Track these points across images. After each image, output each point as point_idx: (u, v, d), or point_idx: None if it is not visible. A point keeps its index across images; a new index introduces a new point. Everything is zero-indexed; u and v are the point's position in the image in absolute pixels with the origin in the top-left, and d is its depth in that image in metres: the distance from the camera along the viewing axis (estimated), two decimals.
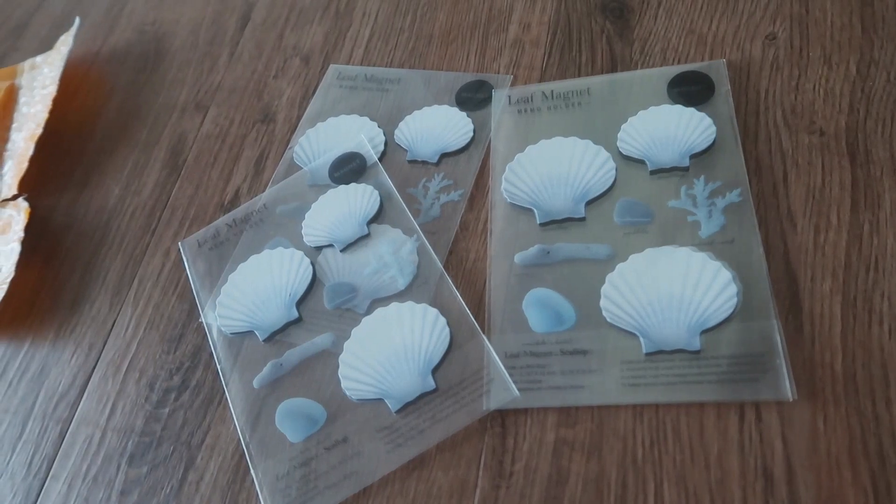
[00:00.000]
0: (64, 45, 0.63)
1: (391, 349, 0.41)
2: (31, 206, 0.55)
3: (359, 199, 0.47)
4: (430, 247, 0.44)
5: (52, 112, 0.59)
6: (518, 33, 0.54)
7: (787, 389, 0.34)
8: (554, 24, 0.53)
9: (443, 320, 0.41)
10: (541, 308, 0.40)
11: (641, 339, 0.38)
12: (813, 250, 0.38)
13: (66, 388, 0.47)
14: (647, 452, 0.35)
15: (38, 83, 0.62)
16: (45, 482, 0.43)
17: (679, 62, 0.48)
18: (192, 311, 0.47)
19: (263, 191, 0.51)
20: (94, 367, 0.47)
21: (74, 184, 0.58)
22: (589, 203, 0.43)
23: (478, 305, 0.42)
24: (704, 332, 0.37)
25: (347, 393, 0.40)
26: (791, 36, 0.46)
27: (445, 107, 0.51)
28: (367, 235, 0.46)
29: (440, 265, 0.43)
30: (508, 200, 0.45)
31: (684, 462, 0.35)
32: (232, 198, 0.52)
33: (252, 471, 0.40)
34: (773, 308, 0.37)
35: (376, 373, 0.40)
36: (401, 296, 0.43)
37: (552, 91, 0.49)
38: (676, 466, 0.35)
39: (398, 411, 0.39)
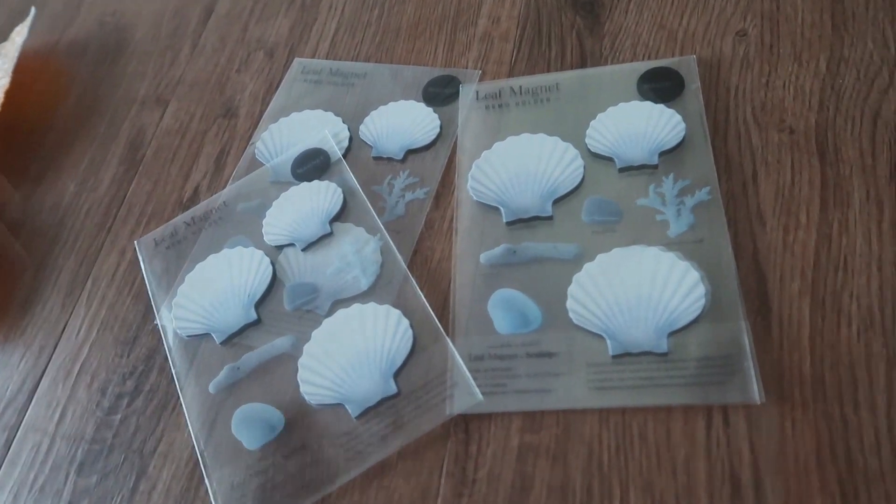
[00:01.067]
0: (19, 35, 0.61)
1: (352, 352, 0.39)
2: None
3: (321, 196, 0.46)
4: (394, 246, 0.43)
5: (5, 105, 0.57)
6: (487, 27, 0.52)
7: (755, 392, 0.34)
8: (524, 19, 0.52)
9: (406, 322, 0.40)
10: (506, 309, 0.39)
11: (608, 341, 0.37)
12: (782, 250, 0.38)
13: (14, 393, 0.45)
14: (612, 458, 0.34)
15: None
16: None
17: (649, 58, 0.47)
18: (148, 313, 0.46)
19: (224, 188, 0.50)
20: (44, 371, 0.45)
21: (29, 179, 0.56)
22: (556, 201, 0.42)
23: (442, 306, 0.41)
24: (672, 333, 0.36)
25: (306, 398, 0.39)
26: (762, 32, 0.46)
27: (412, 102, 0.50)
28: (330, 234, 0.44)
29: (404, 265, 0.42)
30: (475, 198, 0.43)
31: (650, 468, 0.34)
32: (191, 195, 0.51)
33: (206, 479, 0.38)
34: (741, 309, 0.36)
35: (336, 377, 0.39)
36: (363, 296, 0.42)
37: (521, 86, 0.48)
38: (643, 472, 0.34)
39: (358, 417, 0.37)
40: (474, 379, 0.37)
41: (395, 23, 0.55)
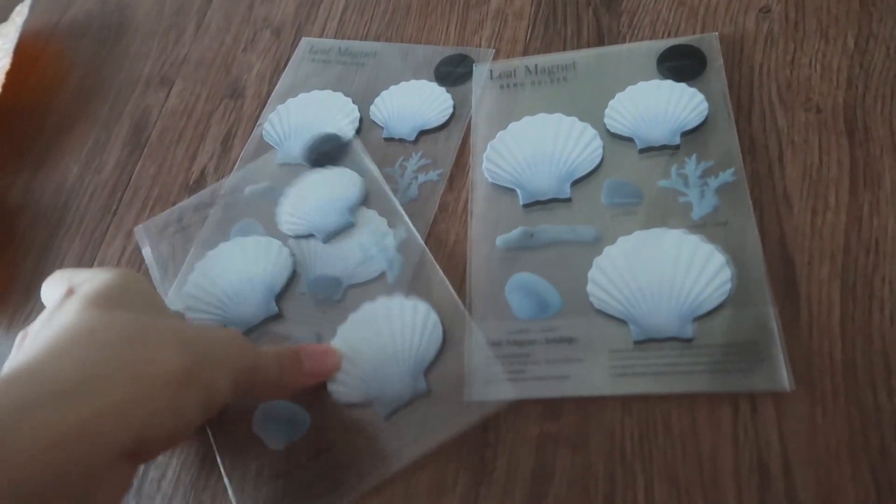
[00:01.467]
0: (19, 15, 0.59)
1: (380, 349, 0.38)
2: None
3: (343, 185, 0.44)
4: (418, 235, 0.41)
5: (6, 86, 0.55)
6: (501, 4, 0.51)
7: (785, 379, 0.32)
8: None
9: (435, 316, 0.38)
10: (524, 293, 0.38)
11: (630, 327, 0.35)
12: (810, 233, 0.36)
13: None
14: (636, 446, 0.33)
15: None
16: None
17: (669, 35, 0.45)
18: None
19: (231, 170, 0.48)
20: None
21: (30, 162, 0.55)
22: (575, 183, 0.41)
23: (458, 290, 0.39)
24: (697, 319, 0.35)
25: (333, 395, 0.37)
26: (786, 8, 0.44)
27: (424, 82, 0.48)
28: (352, 225, 0.43)
29: (430, 256, 0.40)
30: (490, 180, 0.42)
31: (675, 457, 0.33)
32: (198, 177, 0.49)
33: (222, 468, 0.37)
34: (768, 294, 0.35)
35: (364, 374, 0.37)
36: (389, 289, 0.40)
37: (536, 65, 0.46)
38: (667, 461, 0.33)
39: (388, 417, 0.36)
40: (489, 365, 0.36)
41: (405, 0, 0.54)
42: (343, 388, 0.37)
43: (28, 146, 0.56)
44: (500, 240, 0.40)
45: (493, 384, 0.36)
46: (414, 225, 0.42)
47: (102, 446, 0.26)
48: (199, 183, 0.49)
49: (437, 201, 0.43)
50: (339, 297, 0.41)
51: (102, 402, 0.26)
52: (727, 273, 0.35)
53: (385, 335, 0.38)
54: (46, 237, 0.50)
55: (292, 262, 0.42)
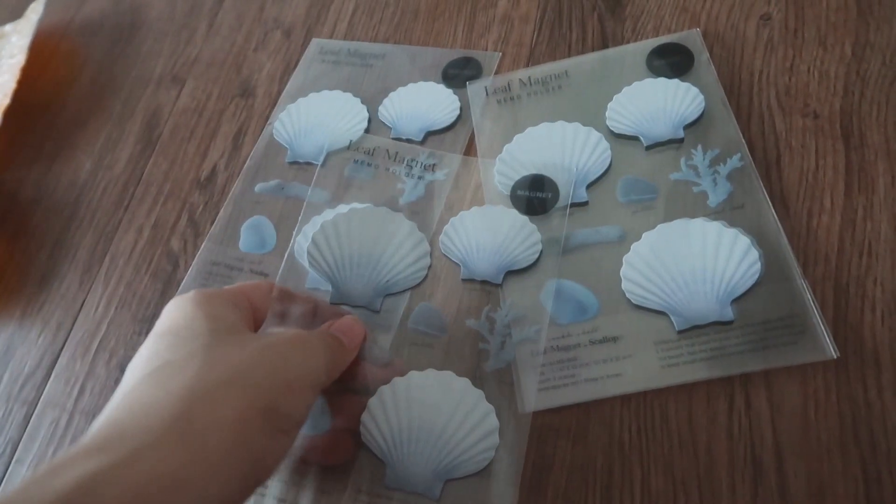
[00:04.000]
0: (34, 13, 0.61)
1: (689, 266, 0.37)
2: None
3: (677, 99, 0.43)
4: (755, 170, 0.40)
5: (21, 83, 0.56)
6: (507, 8, 0.52)
7: (828, 348, 0.34)
8: (544, 1, 0.52)
9: (755, 253, 0.37)
10: (561, 299, 0.39)
11: (672, 317, 0.36)
12: (806, 235, 0.37)
13: (33, 369, 0.45)
14: (633, 439, 0.34)
15: (6, 52, 0.60)
16: (8, 466, 0.42)
17: None
18: (166, 291, 0.46)
19: (242, 168, 0.49)
20: (63, 348, 0.45)
21: (44, 157, 0.56)
22: (589, 186, 0.42)
23: None
24: (734, 301, 0.36)
25: (627, 294, 0.38)
26: (786, 16, 0.45)
27: (431, 83, 0.49)
28: (681, 141, 0.42)
29: (765, 194, 0.39)
30: (507, 194, 0.43)
31: (672, 449, 0.34)
32: (209, 174, 0.50)
33: None
34: (796, 268, 0.36)
35: (666, 285, 0.37)
36: (709, 212, 0.39)
37: (529, 77, 0.47)
38: (664, 454, 0.34)
39: (681, 332, 0.36)
40: (541, 374, 0.37)
41: (414, 3, 0.55)
42: (640, 291, 0.38)
43: (42, 141, 0.57)
44: None
45: (549, 391, 0.36)
46: (420, 223, 0.43)
47: None
48: (210, 180, 0.50)
49: (444, 200, 0.44)
50: (650, 204, 0.40)
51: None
52: (754, 254, 0.37)
53: (697, 254, 0.38)
54: (59, 231, 0.51)
55: (610, 157, 0.42)
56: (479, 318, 0.39)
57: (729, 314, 0.36)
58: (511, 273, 0.40)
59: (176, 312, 0.31)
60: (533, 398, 0.36)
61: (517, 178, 0.43)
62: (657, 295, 0.37)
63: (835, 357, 0.33)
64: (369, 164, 0.46)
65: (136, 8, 0.64)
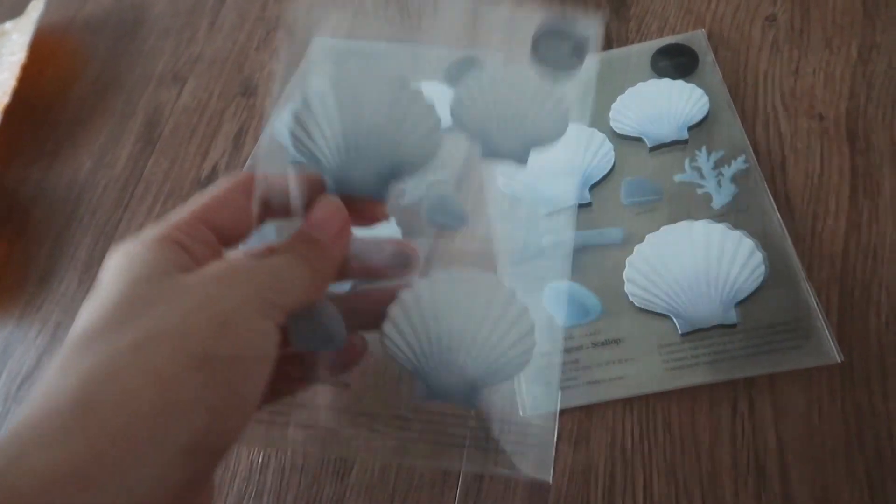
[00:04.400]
0: (35, 10, 0.60)
1: (693, 268, 0.37)
2: None
3: (681, 100, 0.43)
4: (760, 172, 0.40)
5: (22, 81, 0.56)
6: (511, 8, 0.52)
7: (833, 352, 0.33)
8: (548, 1, 0.51)
9: (760, 255, 0.37)
10: (563, 301, 0.38)
11: (675, 320, 0.36)
12: (811, 238, 0.37)
13: (31, 369, 0.45)
14: (636, 443, 0.34)
15: (7, 50, 0.59)
16: None
17: None
18: None
19: (243, 167, 0.49)
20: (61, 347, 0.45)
21: (45, 155, 0.56)
22: (593, 187, 0.42)
23: None
24: (738, 304, 0.36)
25: (630, 297, 0.37)
26: (792, 18, 0.45)
27: (434, 83, 0.49)
28: (685, 142, 0.42)
29: (770, 198, 0.39)
30: (507, 192, 0.43)
31: (674, 454, 0.33)
32: (209, 173, 0.50)
33: None
34: (802, 271, 0.36)
35: (669, 287, 0.37)
36: (713, 214, 0.39)
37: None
38: (666, 458, 0.33)
39: (685, 335, 0.36)
40: (541, 375, 0.36)
41: (417, 2, 0.55)
42: (643, 293, 0.37)
43: (43, 140, 0.57)
44: None
45: (549, 395, 0.36)
46: (423, 227, 0.43)
47: None
48: (211, 179, 0.50)
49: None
50: (654, 205, 0.40)
51: None
52: (759, 256, 0.36)
53: (701, 257, 0.37)
54: (59, 229, 0.51)
55: (613, 158, 0.42)
56: (684, 171, 0.38)
57: (733, 317, 0.35)
58: (692, 127, 0.40)
59: (102, 271, 0.26)
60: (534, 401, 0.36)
61: (521, 178, 0.43)
62: (660, 297, 0.37)
63: (839, 361, 0.33)
64: None
65: (137, 6, 0.64)
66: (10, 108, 0.54)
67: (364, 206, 0.30)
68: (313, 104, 0.33)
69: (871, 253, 0.36)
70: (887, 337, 0.34)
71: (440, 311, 0.31)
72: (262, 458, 0.37)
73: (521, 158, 0.34)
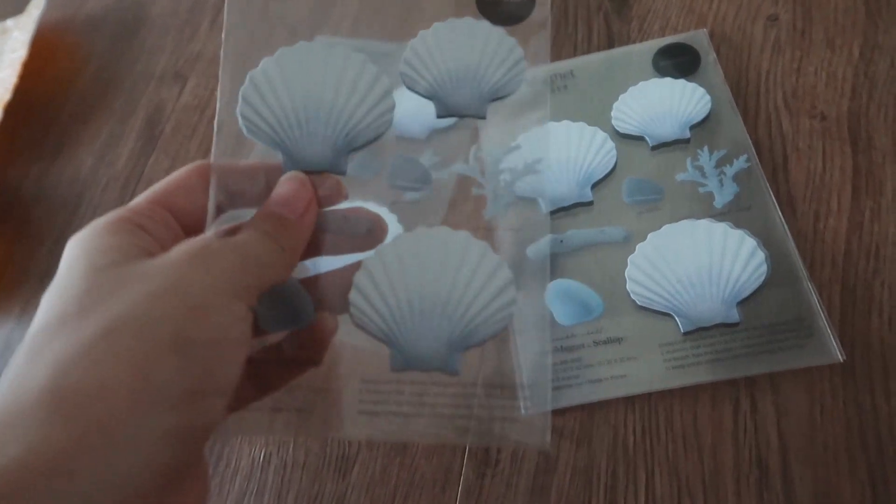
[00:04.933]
0: (36, 7, 0.60)
1: (694, 267, 0.37)
2: (0, 175, 0.53)
3: (685, 99, 0.43)
4: (762, 171, 0.39)
5: (23, 78, 0.56)
6: None
7: (835, 351, 0.33)
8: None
9: (762, 255, 0.37)
10: (565, 300, 0.39)
11: (677, 319, 0.36)
12: (812, 237, 0.37)
13: None
14: (638, 441, 0.34)
15: (8, 47, 0.59)
16: None
17: None
18: None
19: None
20: None
21: (46, 153, 0.56)
22: (594, 186, 0.42)
23: None
24: (740, 303, 0.36)
25: (632, 296, 0.37)
26: (793, 17, 0.45)
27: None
28: (687, 140, 0.42)
29: (771, 196, 0.39)
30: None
31: (676, 452, 0.33)
32: None
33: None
34: (803, 271, 0.36)
35: (671, 286, 0.37)
36: (714, 213, 0.39)
37: (533, 78, 0.47)
38: (668, 456, 0.33)
39: (686, 333, 0.36)
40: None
41: (420, 1, 0.55)
42: (645, 292, 0.37)
43: (43, 137, 0.57)
44: (529, 250, 0.40)
45: (553, 392, 0.36)
46: (424, 224, 0.43)
47: None
48: None
49: (447, 200, 0.44)
50: (656, 204, 0.40)
51: None
52: (760, 256, 0.37)
53: (703, 256, 0.37)
54: (61, 228, 0.51)
55: (615, 157, 0.42)
56: (686, 170, 0.38)
57: (735, 316, 0.35)
58: (694, 126, 0.40)
59: (62, 261, 0.25)
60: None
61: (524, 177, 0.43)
62: (662, 296, 0.37)
63: (841, 360, 0.33)
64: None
65: (139, 4, 0.64)
66: (11, 106, 0.54)
67: (323, 182, 0.30)
68: (259, 83, 0.33)
69: (873, 252, 0.36)
70: (889, 336, 0.34)
71: (409, 273, 0.30)
72: (264, 456, 0.37)
73: (479, 112, 0.33)
